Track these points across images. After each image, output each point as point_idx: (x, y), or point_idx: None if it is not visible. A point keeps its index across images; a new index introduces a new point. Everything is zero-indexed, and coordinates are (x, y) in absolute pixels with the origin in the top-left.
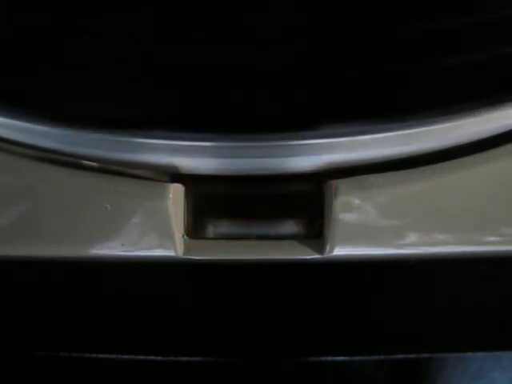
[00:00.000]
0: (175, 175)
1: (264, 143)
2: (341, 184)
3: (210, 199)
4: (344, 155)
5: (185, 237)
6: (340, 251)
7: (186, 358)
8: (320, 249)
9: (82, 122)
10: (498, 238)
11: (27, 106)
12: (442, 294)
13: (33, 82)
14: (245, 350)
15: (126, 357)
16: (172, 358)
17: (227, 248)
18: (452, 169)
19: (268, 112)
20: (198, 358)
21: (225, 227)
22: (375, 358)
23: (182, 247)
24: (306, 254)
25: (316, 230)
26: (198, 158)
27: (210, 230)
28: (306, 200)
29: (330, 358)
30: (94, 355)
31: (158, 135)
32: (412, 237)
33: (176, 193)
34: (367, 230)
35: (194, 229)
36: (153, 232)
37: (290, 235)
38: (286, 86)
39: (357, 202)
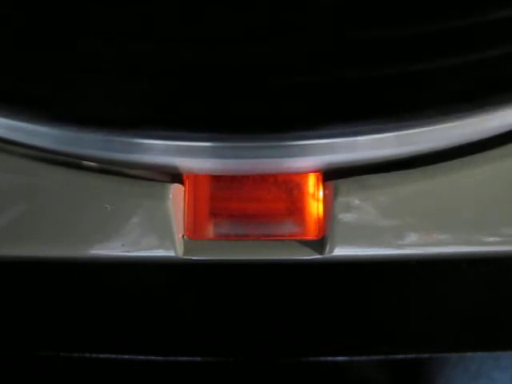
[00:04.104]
0: (175, 175)
1: (264, 143)
2: (341, 184)
3: (210, 199)
4: (344, 155)
5: (185, 237)
6: (340, 251)
7: (186, 358)
8: (320, 249)
9: (82, 123)
10: (498, 238)
11: (27, 107)
12: (442, 294)
13: (33, 82)
14: (245, 350)
15: (126, 357)
16: (172, 358)
17: (227, 248)
18: (452, 169)
19: (268, 112)
20: (197, 358)
21: (225, 227)
22: (375, 357)
23: (182, 247)
24: (306, 254)
25: (316, 230)
26: (198, 158)
27: (210, 229)
28: (306, 200)
29: (329, 358)
30: (94, 355)
31: (158, 135)
32: (412, 237)
33: (176, 193)
34: (367, 230)
35: (194, 229)
36: (153, 232)
37: (290, 235)
38: (286, 85)
39: (357, 202)
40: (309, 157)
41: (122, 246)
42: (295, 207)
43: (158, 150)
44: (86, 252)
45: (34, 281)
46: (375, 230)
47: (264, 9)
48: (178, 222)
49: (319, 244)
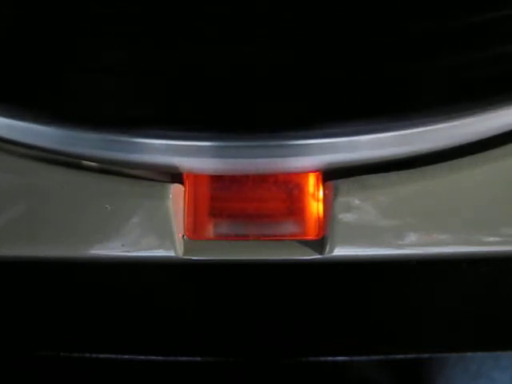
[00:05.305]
0: (175, 175)
1: (264, 143)
2: (341, 184)
3: (210, 199)
4: (344, 155)
5: (185, 237)
6: (340, 251)
7: (186, 358)
8: (320, 249)
9: (82, 122)
10: (498, 238)
11: (27, 106)
12: (442, 294)
13: (33, 82)
14: (245, 350)
15: (126, 357)
16: (172, 358)
17: (227, 248)
18: (452, 169)
19: (268, 112)
20: (198, 358)
21: (225, 227)
22: (375, 357)
23: (182, 247)
24: (306, 254)
25: (316, 230)
26: (198, 157)
27: (210, 230)
28: (306, 200)
29: (330, 358)
30: (94, 355)
31: (158, 135)
32: (412, 237)
33: (176, 193)
34: (367, 230)
35: (194, 229)
36: (153, 232)
37: (290, 235)
38: (286, 85)
39: (357, 202)
40: (309, 157)
41: (122, 246)
42: (295, 207)
43: (158, 149)
44: (86, 252)
45: (34, 281)
46: (375, 230)
47: (264, 8)
48: (178, 222)
49: (319, 244)
